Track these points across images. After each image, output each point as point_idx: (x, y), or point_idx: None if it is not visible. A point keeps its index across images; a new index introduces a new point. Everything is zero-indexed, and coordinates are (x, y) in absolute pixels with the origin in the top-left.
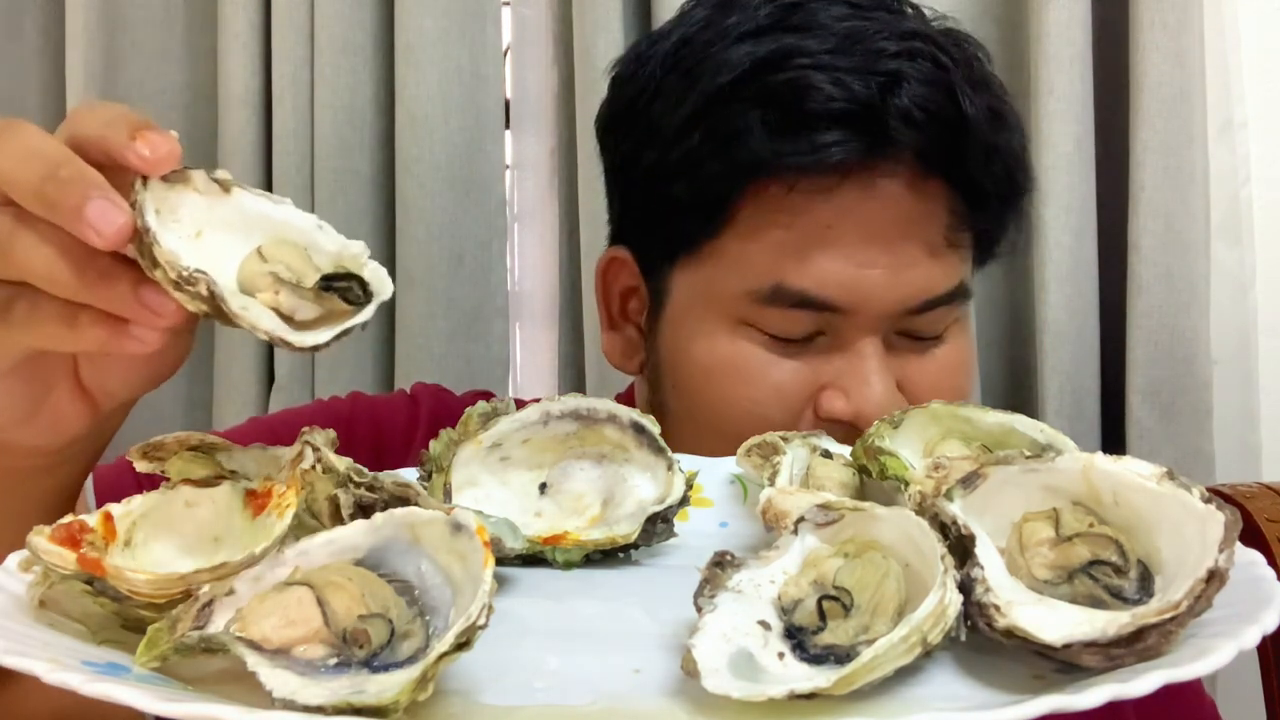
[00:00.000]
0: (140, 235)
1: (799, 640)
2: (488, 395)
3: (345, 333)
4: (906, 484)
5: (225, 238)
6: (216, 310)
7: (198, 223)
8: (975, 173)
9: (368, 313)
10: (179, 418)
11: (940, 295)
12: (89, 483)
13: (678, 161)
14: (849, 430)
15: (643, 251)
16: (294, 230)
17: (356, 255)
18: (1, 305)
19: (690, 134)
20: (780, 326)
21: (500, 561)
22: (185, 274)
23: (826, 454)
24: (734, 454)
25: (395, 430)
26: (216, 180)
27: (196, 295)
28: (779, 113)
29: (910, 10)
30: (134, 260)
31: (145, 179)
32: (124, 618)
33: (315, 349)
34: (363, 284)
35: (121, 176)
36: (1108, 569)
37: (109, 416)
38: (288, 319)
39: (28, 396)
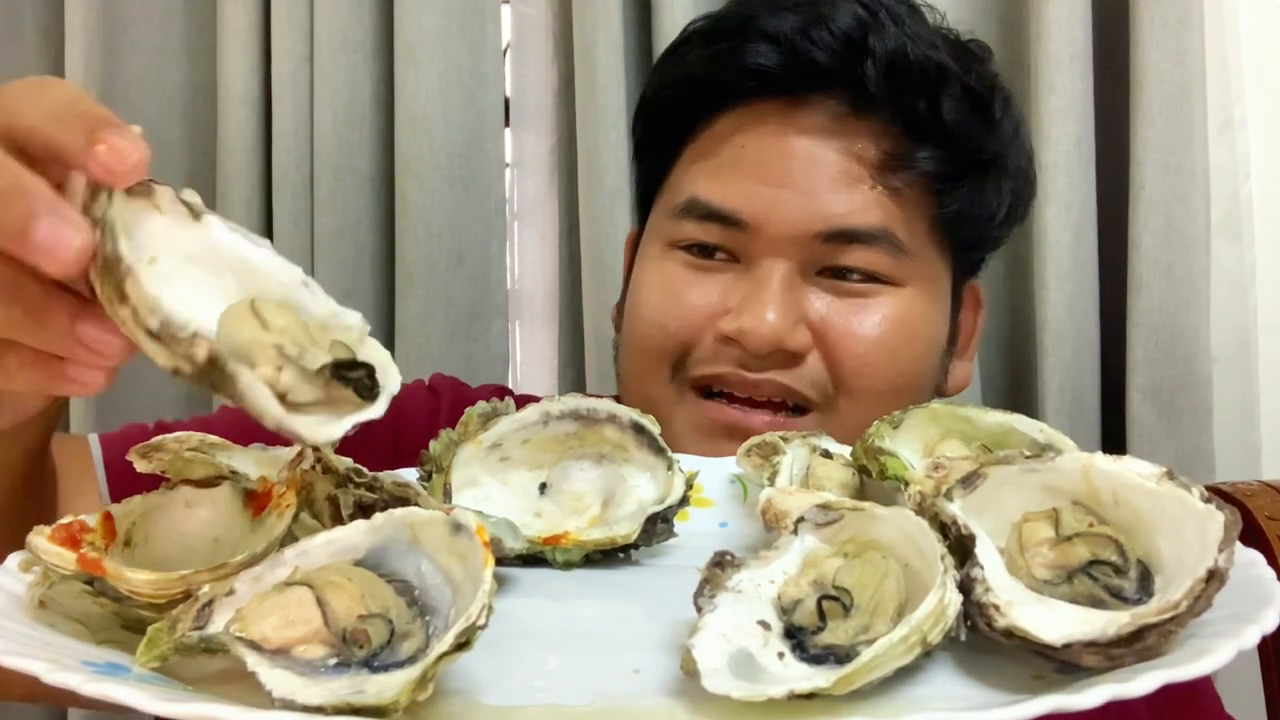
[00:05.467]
0: (109, 263)
1: (799, 640)
2: (502, 389)
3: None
4: (906, 484)
5: (187, 271)
6: (203, 377)
7: (154, 247)
8: (908, 111)
9: (379, 408)
10: (180, 417)
11: (855, 228)
12: (97, 450)
13: (645, 106)
14: (743, 356)
15: (639, 214)
16: (275, 284)
17: (350, 329)
18: None
19: (654, 81)
20: (694, 235)
21: (500, 561)
22: (179, 334)
23: (826, 454)
24: (649, 375)
25: (416, 418)
26: (185, 203)
27: (184, 356)
28: (721, 43)
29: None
30: (66, 287)
31: (110, 191)
32: (124, 618)
33: (330, 444)
34: (371, 373)
35: (60, 172)
36: (1107, 569)
37: None
38: (279, 396)
39: None
